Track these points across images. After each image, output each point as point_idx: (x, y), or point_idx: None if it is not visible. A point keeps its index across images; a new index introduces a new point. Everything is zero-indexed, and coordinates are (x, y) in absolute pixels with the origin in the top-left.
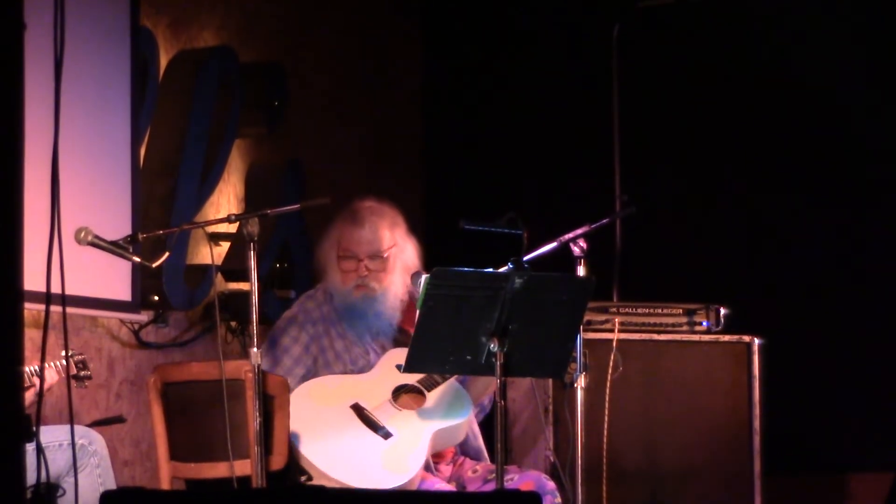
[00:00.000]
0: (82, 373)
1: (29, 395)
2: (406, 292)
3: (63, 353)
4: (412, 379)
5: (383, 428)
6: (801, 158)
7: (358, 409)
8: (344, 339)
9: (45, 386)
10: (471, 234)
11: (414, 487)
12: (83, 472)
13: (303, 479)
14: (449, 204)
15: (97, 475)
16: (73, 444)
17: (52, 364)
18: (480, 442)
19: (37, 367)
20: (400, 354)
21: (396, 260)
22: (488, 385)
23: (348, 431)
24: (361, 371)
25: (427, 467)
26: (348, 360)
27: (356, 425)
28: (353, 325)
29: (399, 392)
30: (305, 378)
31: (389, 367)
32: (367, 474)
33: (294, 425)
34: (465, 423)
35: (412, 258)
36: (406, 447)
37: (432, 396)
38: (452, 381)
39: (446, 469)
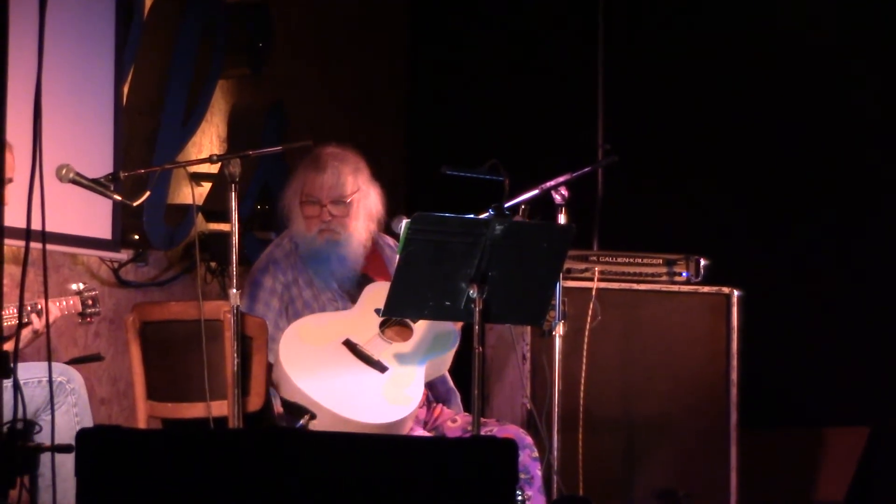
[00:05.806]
0: (89, 310)
1: (26, 333)
2: (369, 238)
3: (75, 286)
4: None
5: (378, 362)
6: (785, 108)
7: (350, 345)
8: (311, 287)
9: (51, 319)
10: (452, 179)
11: (414, 416)
12: (60, 409)
13: (306, 417)
14: (431, 149)
15: (74, 413)
16: (50, 381)
17: (57, 303)
18: (450, 383)
19: (37, 304)
20: (380, 288)
21: (360, 205)
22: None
23: (346, 368)
24: None
25: None
26: (317, 308)
27: (352, 361)
28: (318, 272)
29: (385, 324)
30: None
31: (372, 302)
32: (372, 409)
33: (292, 367)
34: (452, 352)
35: (375, 204)
36: (404, 379)
37: (419, 328)
38: None
39: (420, 412)
